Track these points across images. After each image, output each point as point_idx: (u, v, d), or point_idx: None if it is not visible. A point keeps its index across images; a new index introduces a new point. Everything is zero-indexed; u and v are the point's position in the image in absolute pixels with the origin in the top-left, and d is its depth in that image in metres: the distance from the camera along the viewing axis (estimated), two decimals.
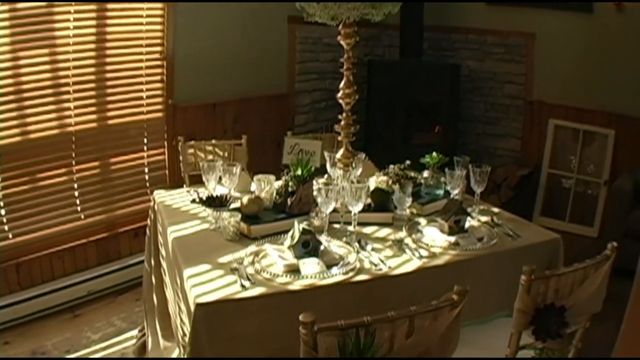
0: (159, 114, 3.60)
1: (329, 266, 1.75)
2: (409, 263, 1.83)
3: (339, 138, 2.33)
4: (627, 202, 3.57)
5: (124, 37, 3.34)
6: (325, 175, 2.30)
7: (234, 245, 1.91)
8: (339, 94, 2.27)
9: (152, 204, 2.46)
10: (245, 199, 2.07)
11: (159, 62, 3.54)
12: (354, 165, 2.26)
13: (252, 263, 1.77)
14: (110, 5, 3.21)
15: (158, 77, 3.55)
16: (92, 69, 3.23)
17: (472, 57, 4.75)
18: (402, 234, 2.03)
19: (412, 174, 2.35)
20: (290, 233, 1.84)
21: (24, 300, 2.93)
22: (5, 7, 2.80)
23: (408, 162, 2.41)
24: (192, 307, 1.55)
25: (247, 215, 2.03)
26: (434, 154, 2.47)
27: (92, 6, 3.14)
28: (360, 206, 1.94)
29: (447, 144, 4.49)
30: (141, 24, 3.40)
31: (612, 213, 3.71)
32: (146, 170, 3.58)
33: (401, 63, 4.70)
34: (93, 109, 3.28)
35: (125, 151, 3.48)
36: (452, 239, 1.97)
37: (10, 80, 2.89)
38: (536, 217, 4.43)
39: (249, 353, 1.62)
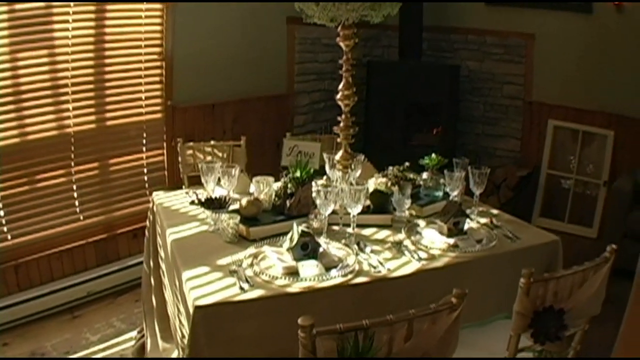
0: (158, 115, 3.60)
1: (327, 268, 1.75)
2: (408, 265, 1.82)
3: (338, 140, 2.33)
4: (626, 202, 3.57)
5: (123, 38, 3.33)
6: (324, 177, 2.29)
7: (232, 247, 1.91)
8: (338, 96, 2.27)
9: (151, 205, 2.46)
10: (244, 201, 2.07)
11: (158, 63, 3.54)
12: (353, 167, 2.26)
13: (251, 265, 1.77)
14: (109, 6, 3.21)
15: (157, 78, 3.55)
16: (90, 70, 3.22)
17: (472, 58, 4.75)
18: (401, 235, 2.03)
19: (411, 176, 2.34)
20: (289, 235, 1.84)
21: (23, 301, 2.93)
22: (4, 8, 2.79)
23: (407, 163, 2.41)
24: (191, 310, 1.55)
25: (246, 217, 2.03)
26: (433, 155, 2.46)
27: (91, 7, 3.14)
28: (359, 208, 1.93)
29: (447, 145, 4.49)
30: (140, 25, 3.40)
31: (612, 214, 3.71)
32: (145, 171, 3.58)
33: (400, 64, 4.70)
34: (92, 110, 3.28)
35: (124, 152, 3.47)
36: (451, 241, 1.97)
37: (8, 82, 2.89)
38: (535, 218, 4.43)
39: (248, 355, 1.62)
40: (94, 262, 3.31)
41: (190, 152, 2.90)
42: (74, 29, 3.09)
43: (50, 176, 3.15)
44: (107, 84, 3.31)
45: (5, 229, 2.99)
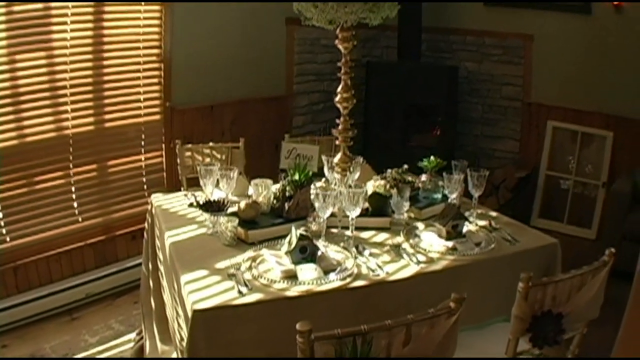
0: (157, 117, 3.59)
1: (326, 272, 1.74)
2: (406, 268, 1.82)
3: (337, 142, 2.33)
4: (625, 204, 3.57)
5: (121, 39, 3.33)
6: (323, 179, 2.29)
7: (231, 250, 1.91)
8: (337, 98, 2.26)
9: (149, 207, 2.46)
10: (242, 204, 2.06)
11: (156, 64, 3.53)
12: (351, 169, 2.25)
13: (250, 269, 1.77)
14: (107, 7, 3.20)
15: (155, 79, 3.55)
16: (89, 72, 3.22)
17: (470, 59, 4.75)
18: (400, 238, 2.03)
19: (410, 178, 2.34)
20: (287, 239, 1.84)
21: (22, 303, 2.93)
22: (2, 9, 2.79)
23: (406, 166, 2.41)
24: (190, 314, 1.55)
25: (244, 220, 2.02)
26: (432, 158, 2.46)
27: (90, 8, 3.14)
28: (357, 211, 1.93)
29: (445, 146, 4.49)
30: (139, 26, 3.40)
31: (611, 215, 3.71)
32: (144, 173, 3.58)
33: (399, 64, 4.70)
34: (90, 111, 3.27)
35: (123, 154, 3.47)
36: (450, 243, 1.96)
37: (7, 83, 2.89)
38: (534, 219, 4.44)
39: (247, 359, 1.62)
40: (93, 264, 3.31)
41: (188, 153, 2.90)
42: (72, 30, 3.09)
43: (49, 178, 3.14)
44: (106, 86, 3.31)
45: (3, 230, 2.98)
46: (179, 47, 3.58)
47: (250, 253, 1.86)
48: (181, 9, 3.54)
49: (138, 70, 3.45)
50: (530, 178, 4.48)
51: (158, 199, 2.44)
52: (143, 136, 3.55)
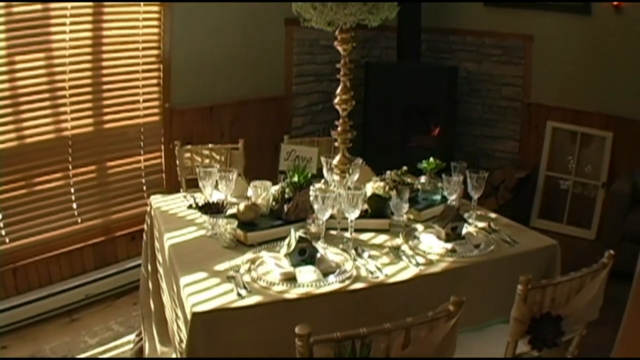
0: (156, 118, 3.59)
1: (325, 274, 1.74)
2: (405, 271, 1.82)
3: (336, 144, 2.33)
4: (624, 204, 3.57)
5: (120, 40, 3.33)
6: (322, 181, 2.29)
7: (230, 252, 1.91)
8: (336, 100, 2.25)
9: (148, 209, 2.45)
10: (241, 206, 2.06)
11: (155, 65, 3.53)
12: (350, 171, 2.25)
13: (249, 271, 1.76)
14: (106, 9, 3.20)
15: (155, 80, 3.55)
16: (88, 73, 3.22)
17: (470, 59, 4.75)
18: (399, 240, 2.03)
19: (409, 180, 2.34)
20: (286, 241, 1.84)
21: (22, 304, 2.93)
22: (1, 10, 2.78)
23: (405, 167, 2.41)
24: (189, 316, 1.55)
25: (243, 222, 2.02)
26: (431, 159, 2.46)
27: (89, 9, 3.13)
28: (357, 213, 1.93)
29: (445, 147, 4.49)
30: (137, 27, 3.39)
31: (610, 215, 3.72)
32: (143, 174, 3.58)
33: (399, 65, 4.70)
34: (89, 112, 3.27)
35: (122, 155, 3.47)
36: (449, 245, 1.96)
37: (6, 85, 2.88)
38: (534, 219, 4.44)
39: None
40: (92, 265, 3.31)
41: (188, 154, 2.90)
42: (71, 31, 3.08)
43: (48, 179, 3.14)
44: (105, 87, 3.31)
45: (3, 232, 2.98)
46: (178, 48, 3.58)
47: (249, 255, 1.86)
48: (180, 9, 3.54)
49: (137, 71, 3.45)
50: (529, 178, 4.48)
51: (157, 201, 2.44)
52: (142, 137, 3.54)
